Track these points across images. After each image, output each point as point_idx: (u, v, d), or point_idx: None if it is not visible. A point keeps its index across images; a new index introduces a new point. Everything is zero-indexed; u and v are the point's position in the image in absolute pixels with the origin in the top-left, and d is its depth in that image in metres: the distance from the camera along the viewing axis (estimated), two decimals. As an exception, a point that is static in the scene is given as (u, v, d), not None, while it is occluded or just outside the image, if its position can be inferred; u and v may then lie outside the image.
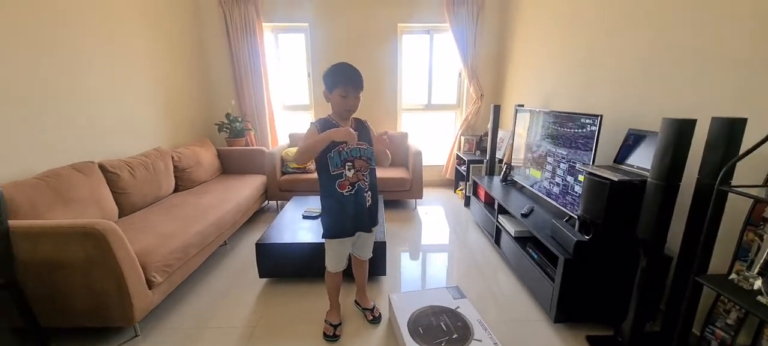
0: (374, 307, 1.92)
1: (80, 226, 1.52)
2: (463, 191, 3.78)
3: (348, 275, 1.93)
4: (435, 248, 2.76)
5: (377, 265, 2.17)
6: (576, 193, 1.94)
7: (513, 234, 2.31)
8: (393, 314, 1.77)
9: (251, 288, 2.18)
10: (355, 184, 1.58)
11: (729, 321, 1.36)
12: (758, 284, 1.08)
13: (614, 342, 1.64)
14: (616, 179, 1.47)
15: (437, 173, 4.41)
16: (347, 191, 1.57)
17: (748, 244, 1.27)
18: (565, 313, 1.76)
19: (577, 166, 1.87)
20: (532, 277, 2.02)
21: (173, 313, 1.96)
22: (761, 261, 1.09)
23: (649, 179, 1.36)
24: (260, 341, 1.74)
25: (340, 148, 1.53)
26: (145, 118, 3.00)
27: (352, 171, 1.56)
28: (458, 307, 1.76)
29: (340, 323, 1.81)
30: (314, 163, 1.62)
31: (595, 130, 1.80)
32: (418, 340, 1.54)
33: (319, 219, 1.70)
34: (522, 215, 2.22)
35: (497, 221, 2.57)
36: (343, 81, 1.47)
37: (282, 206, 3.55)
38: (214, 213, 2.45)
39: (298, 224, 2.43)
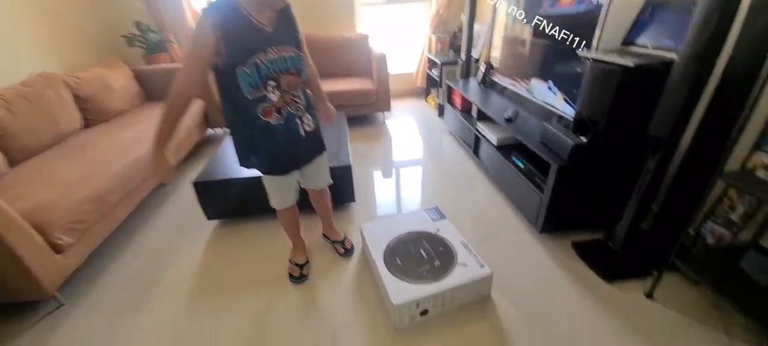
0: (345, 238, 1.72)
1: None
2: (436, 99, 3.47)
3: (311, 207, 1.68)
4: (408, 166, 2.54)
5: (344, 191, 1.93)
6: (572, 87, 1.69)
7: (495, 143, 2.10)
8: (366, 245, 1.58)
9: (199, 234, 1.90)
10: (284, 109, 1.19)
11: (733, 217, 1.27)
12: (793, 177, 0.94)
13: (602, 246, 1.58)
14: (632, 65, 1.20)
15: (407, 82, 4.02)
16: (275, 121, 1.17)
17: (776, 131, 1.10)
18: (552, 223, 1.65)
19: (579, 52, 1.58)
20: (516, 188, 1.87)
21: (107, 272, 1.67)
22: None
23: (676, 59, 1.10)
24: (216, 293, 1.52)
25: (258, 61, 1.06)
26: (13, 35, 2.28)
27: (278, 93, 1.15)
28: (439, 230, 1.59)
29: (307, 262, 1.61)
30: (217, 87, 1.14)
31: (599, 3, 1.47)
32: (396, 272, 1.38)
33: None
34: (506, 119, 1.99)
35: (476, 129, 2.34)
36: None
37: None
38: (137, 150, 2.02)
39: (245, 154, 2.07)
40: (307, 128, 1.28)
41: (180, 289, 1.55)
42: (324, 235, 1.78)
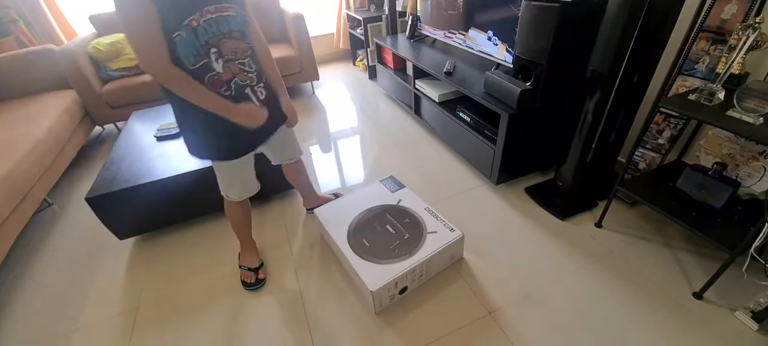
0: (337, 196, 1.70)
1: None
2: (364, 61, 3.29)
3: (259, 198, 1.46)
4: (348, 137, 2.39)
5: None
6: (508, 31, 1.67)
7: (436, 99, 2.05)
8: (326, 232, 1.44)
9: (113, 258, 1.56)
10: (233, 81, 0.99)
11: (661, 141, 1.42)
12: (721, 96, 1.03)
13: (552, 186, 1.67)
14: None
15: (328, 45, 3.74)
16: (225, 91, 0.98)
17: (696, 55, 1.21)
18: (506, 173, 1.69)
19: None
20: (465, 143, 1.87)
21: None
22: (726, 72, 1.02)
23: (614, -7, 1.12)
24: (158, 323, 1.26)
25: (194, 22, 0.86)
26: None
27: (221, 62, 0.94)
28: (400, 200, 1.52)
29: (262, 264, 1.42)
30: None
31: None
32: (366, 254, 1.27)
33: (183, 140, 1.11)
34: (445, 73, 1.93)
35: (415, 87, 2.26)
36: None
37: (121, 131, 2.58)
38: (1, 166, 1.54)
39: (152, 151, 1.70)
40: (260, 96, 1.08)
41: (103, 328, 1.26)
42: (309, 210, 1.68)
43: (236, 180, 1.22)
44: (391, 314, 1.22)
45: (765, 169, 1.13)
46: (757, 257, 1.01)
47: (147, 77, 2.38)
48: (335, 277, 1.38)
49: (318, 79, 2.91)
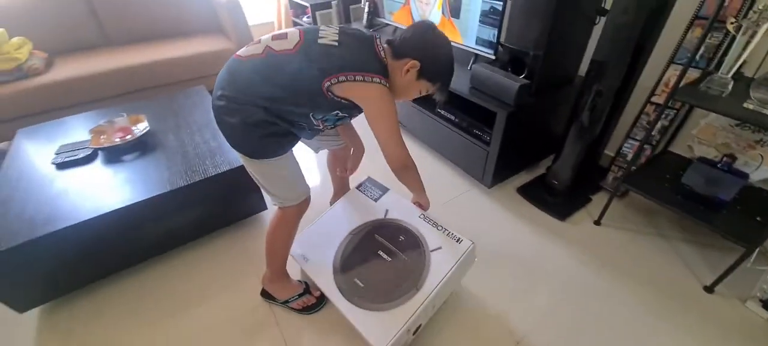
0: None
1: None
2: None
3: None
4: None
5: (252, 198, 1.46)
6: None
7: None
8: (309, 278, 1.21)
9: (14, 338, 1.17)
10: None
11: (653, 132, 1.42)
12: (730, 87, 1.03)
13: (544, 185, 1.62)
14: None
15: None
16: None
17: (689, 43, 1.20)
18: (499, 175, 1.60)
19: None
20: (448, 143, 1.74)
21: None
22: (736, 60, 1.01)
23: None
24: None
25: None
26: None
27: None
28: (388, 212, 1.31)
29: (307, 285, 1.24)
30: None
31: None
32: (363, 301, 1.06)
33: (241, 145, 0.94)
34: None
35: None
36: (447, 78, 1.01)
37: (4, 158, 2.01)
38: None
39: (53, 185, 1.30)
40: None
41: None
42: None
43: (298, 171, 1.06)
44: (406, 359, 1.06)
45: (762, 157, 1.16)
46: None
47: (39, 81, 1.87)
48: (334, 326, 1.17)
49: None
